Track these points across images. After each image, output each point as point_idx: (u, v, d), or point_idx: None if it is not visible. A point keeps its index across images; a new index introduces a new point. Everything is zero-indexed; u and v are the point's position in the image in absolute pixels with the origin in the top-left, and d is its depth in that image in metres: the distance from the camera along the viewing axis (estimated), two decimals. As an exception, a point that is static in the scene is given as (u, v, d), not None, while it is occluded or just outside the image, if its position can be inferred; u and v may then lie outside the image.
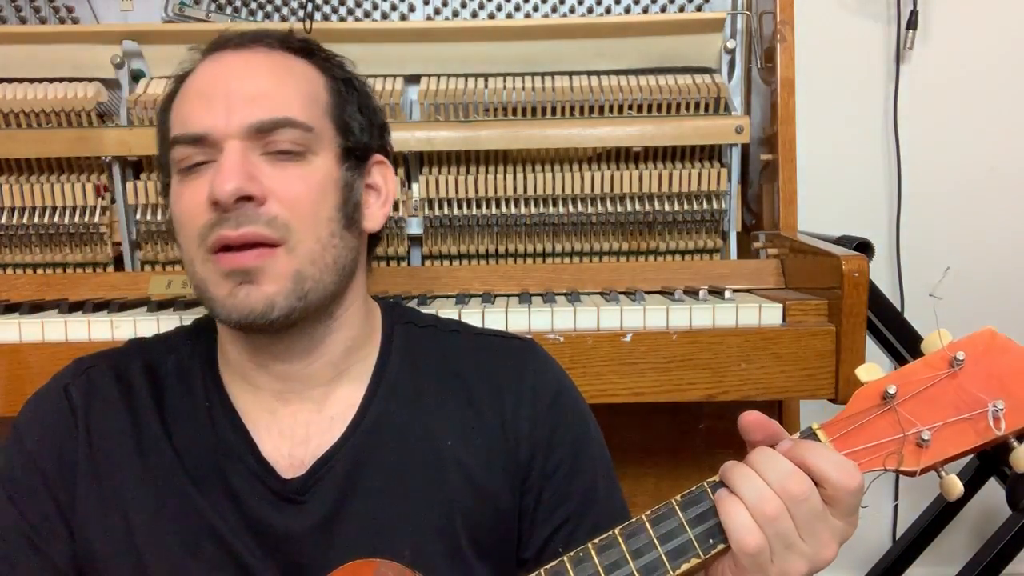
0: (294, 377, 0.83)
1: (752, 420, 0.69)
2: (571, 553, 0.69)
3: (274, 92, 0.79)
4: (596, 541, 0.69)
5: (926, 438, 0.66)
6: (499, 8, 1.54)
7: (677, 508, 0.68)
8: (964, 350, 0.67)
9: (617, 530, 0.68)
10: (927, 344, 0.69)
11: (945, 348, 0.68)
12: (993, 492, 1.68)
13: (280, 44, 0.84)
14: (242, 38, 0.83)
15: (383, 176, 0.88)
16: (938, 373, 0.67)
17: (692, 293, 1.32)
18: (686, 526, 0.67)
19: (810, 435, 0.68)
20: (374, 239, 0.90)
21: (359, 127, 0.85)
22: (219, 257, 0.76)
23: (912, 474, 0.67)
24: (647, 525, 0.68)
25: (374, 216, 0.86)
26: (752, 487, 0.65)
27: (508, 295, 1.37)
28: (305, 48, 0.85)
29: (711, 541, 0.66)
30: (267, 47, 0.83)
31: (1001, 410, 0.65)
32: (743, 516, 0.64)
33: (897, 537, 2.01)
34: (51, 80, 1.48)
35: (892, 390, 0.67)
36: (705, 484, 0.69)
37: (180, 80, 0.84)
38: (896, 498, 2.01)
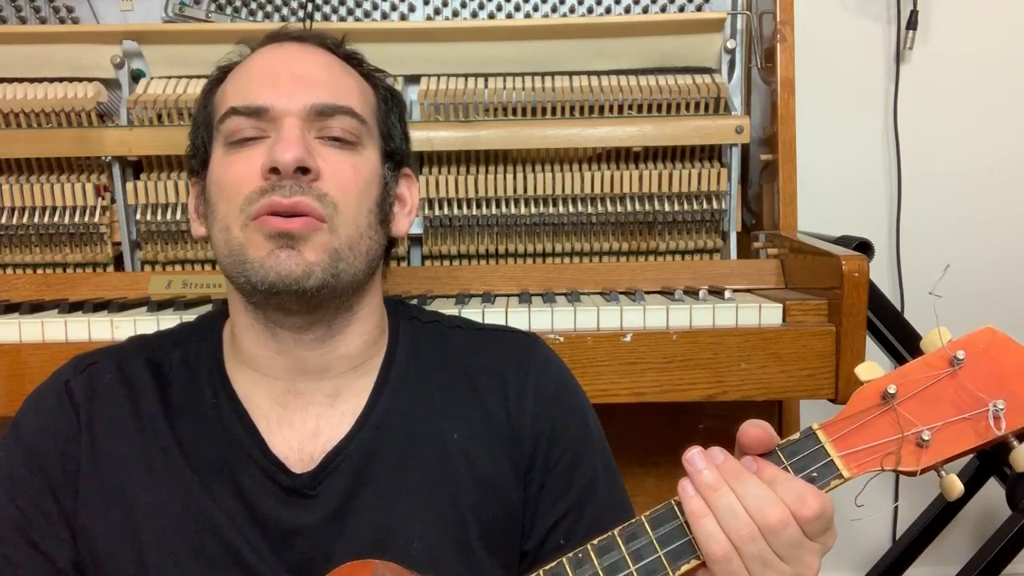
0: (309, 366, 0.83)
1: (754, 438, 0.68)
2: (570, 554, 0.69)
3: (336, 82, 0.84)
4: (595, 542, 0.68)
5: (926, 438, 0.65)
6: (499, 8, 1.54)
7: (676, 509, 0.68)
8: (964, 349, 0.67)
9: (616, 531, 0.68)
10: (926, 343, 0.68)
11: (945, 347, 0.67)
12: (993, 492, 1.68)
13: (335, 48, 0.89)
14: (301, 34, 0.88)
15: (408, 188, 0.92)
16: (938, 372, 0.67)
17: (692, 293, 1.32)
18: (685, 527, 0.67)
19: (810, 435, 0.68)
20: (390, 245, 0.91)
21: (398, 136, 0.90)
22: (266, 219, 0.77)
23: (912, 474, 0.66)
24: (646, 527, 0.68)
25: (399, 223, 0.90)
26: (726, 507, 0.65)
27: (508, 295, 1.37)
28: (356, 58, 0.91)
29: None
30: (325, 48, 0.88)
31: (1001, 410, 0.65)
32: (711, 525, 0.65)
33: (897, 537, 2.01)
34: (51, 80, 1.48)
35: (892, 390, 0.66)
36: None
37: (226, 70, 0.87)
38: (896, 499, 2.01)
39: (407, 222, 0.92)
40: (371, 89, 0.90)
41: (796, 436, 0.69)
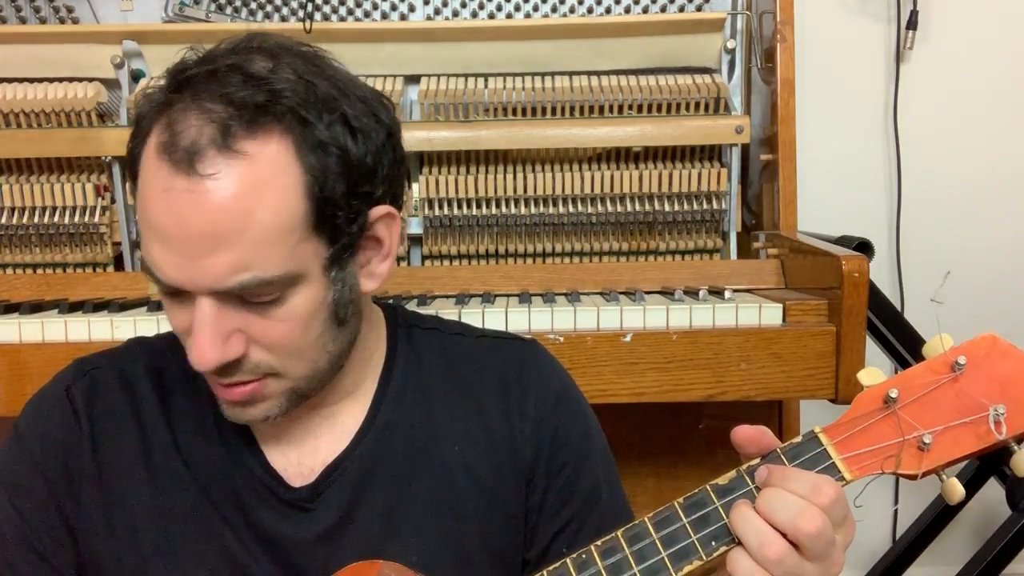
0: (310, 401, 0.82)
1: (746, 435, 0.68)
2: (574, 555, 0.69)
3: (236, 250, 0.67)
4: (599, 543, 0.68)
5: (927, 442, 0.66)
6: (499, 8, 1.54)
7: (680, 511, 0.68)
8: (965, 354, 0.67)
9: (620, 532, 0.68)
10: (928, 349, 0.69)
11: (947, 352, 0.68)
12: (993, 492, 1.68)
13: (244, 128, 0.66)
14: (191, 145, 0.66)
15: (388, 229, 0.77)
16: (939, 377, 0.67)
17: (692, 293, 1.32)
18: (688, 529, 0.67)
19: (812, 438, 0.68)
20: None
21: (346, 218, 0.71)
22: (215, 386, 0.75)
23: (913, 477, 0.67)
24: (650, 528, 0.68)
25: (373, 274, 0.78)
26: (754, 531, 0.64)
27: (508, 295, 1.37)
28: (275, 109, 0.68)
29: (713, 544, 0.66)
30: (225, 161, 0.66)
31: (1002, 414, 0.65)
32: (745, 561, 0.64)
33: (897, 537, 2.01)
34: (51, 80, 1.48)
35: (894, 394, 0.67)
36: (707, 487, 0.68)
37: (145, 126, 0.72)
38: (896, 502, 2.01)
39: (383, 268, 0.78)
40: (297, 185, 0.68)
41: (798, 439, 0.69)
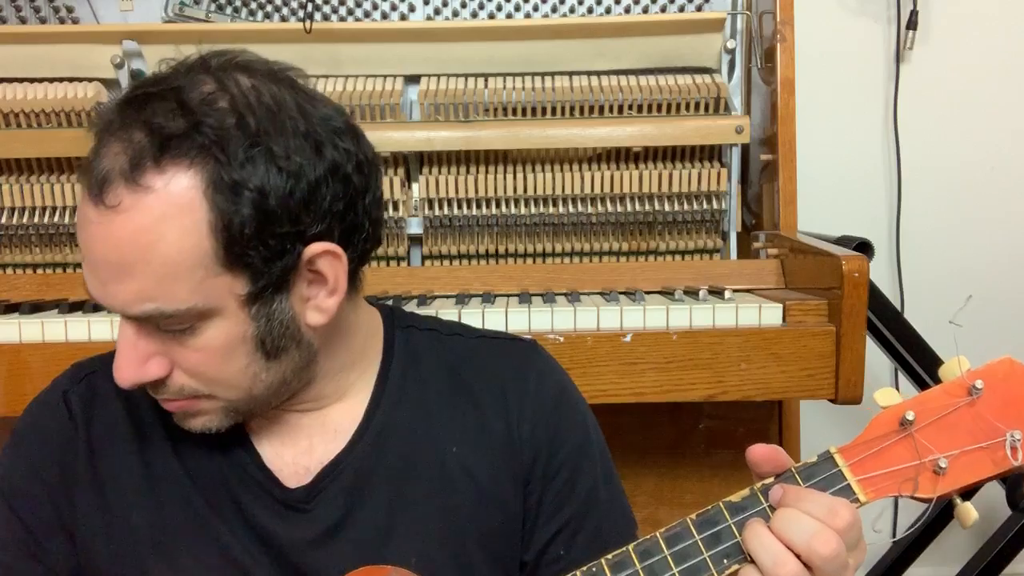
0: (289, 406, 0.82)
1: (761, 453, 0.68)
2: (584, 568, 0.69)
3: (139, 281, 0.67)
4: (609, 557, 0.68)
5: (943, 465, 0.66)
6: (499, 8, 1.54)
7: (692, 527, 0.68)
8: (983, 378, 0.67)
9: (631, 547, 0.68)
10: (945, 371, 0.69)
11: (964, 376, 0.67)
12: (993, 492, 1.68)
13: (153, 161, 0.66)
14: (103, 174, 0.67)
15: (331, 266, 0.73)
16: (956, 401, 0.67)
17: (692, 293, 1.32)
18: (700, 545, 0.67)
19: (828, 459, 0.68)
20: (374, 242, 0.82)
21: (261, 257, 0.69)
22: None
23: (928, 501, 0.67)
24: (661, 543, 0.68)
25: (320, 308, 0.75)
26: (768, 551, 0.64)
27: (508, 295, 1.37)
28: (190, 143, 0.66)
29: (725, 561, 0.66)
30: (130, 193, 0.66)
31: (1019, 440, 0.65)
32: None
33: (897, 537, 2.01)
34: (51, 80, 1.49)
35: (910, 416, 0.67)
36: (720, 504, 0.68)
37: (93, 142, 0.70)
38: (895, 506, 2.00)
39: (332, 303, 0.75)
40: (203, 222, 0.66)
41: (813, 459, 0.69)
